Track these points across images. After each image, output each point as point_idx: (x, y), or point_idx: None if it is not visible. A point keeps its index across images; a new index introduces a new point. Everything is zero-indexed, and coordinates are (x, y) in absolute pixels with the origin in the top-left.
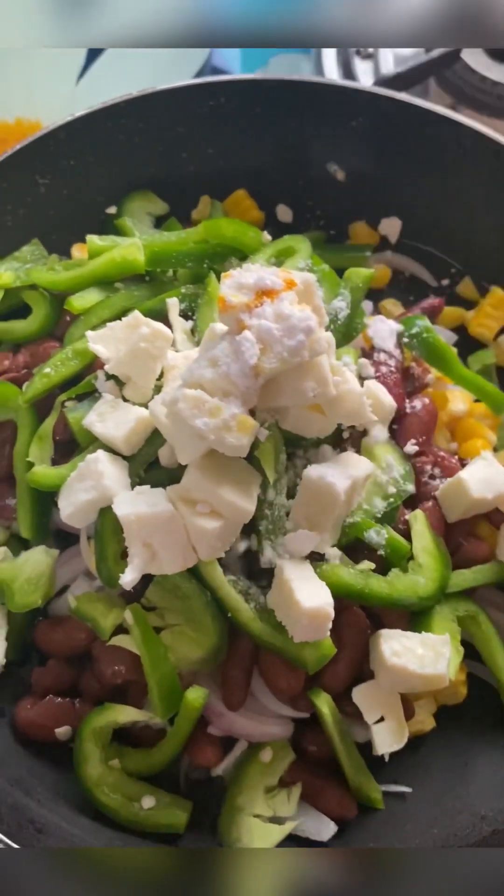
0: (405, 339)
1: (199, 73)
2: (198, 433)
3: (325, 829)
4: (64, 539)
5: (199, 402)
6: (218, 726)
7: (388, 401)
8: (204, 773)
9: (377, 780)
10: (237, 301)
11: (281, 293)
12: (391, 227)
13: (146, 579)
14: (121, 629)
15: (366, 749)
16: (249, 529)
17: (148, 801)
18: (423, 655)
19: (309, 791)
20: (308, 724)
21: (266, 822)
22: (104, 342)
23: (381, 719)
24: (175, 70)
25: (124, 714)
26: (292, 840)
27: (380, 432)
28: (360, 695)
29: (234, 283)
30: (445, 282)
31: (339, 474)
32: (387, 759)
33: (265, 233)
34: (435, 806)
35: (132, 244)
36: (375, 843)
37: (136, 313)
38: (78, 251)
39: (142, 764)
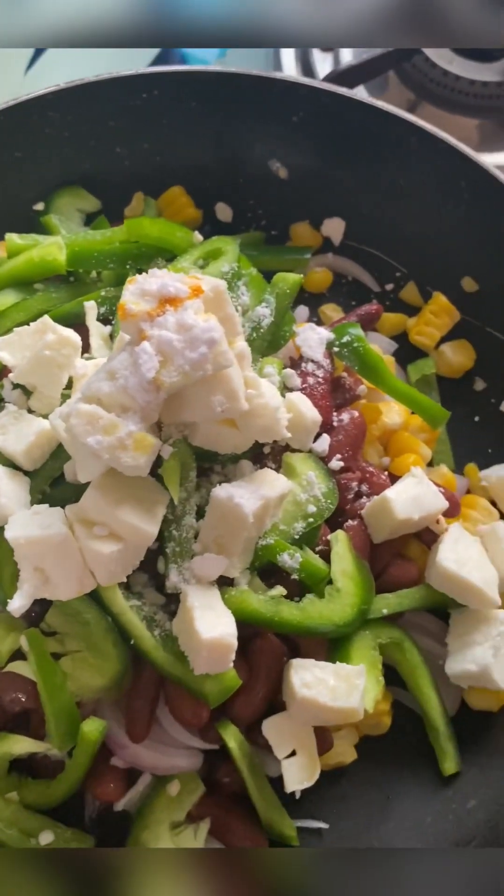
0: (335, 349)
1: (159, 60)
2: (92, 451)
3: None
4: None
5: (93, 418)
6: (122, 758)
7: (312, 414)
8: (110, 805)
9: (293, 814)
10: (138, 309)
11: (185, 301)
12: (334, 228)
13: (46, 603)
14: (21, 654)
15: (281, 783)
16: (158, 551)
17: (46, 837)
18: (335, 687)
19: (218, 827)
20: (219, 755)
21: None
22: (10, 348)
23: (294, 753)
24: (131, 58)
25: (19, 745)
26: None
27: (301, 446)
28: (270, 727)
29: (137, 290)
30: (390, 286)
31: (248, 494)
32: (297, 796)
33: (196, 233)
34: (352, 843)
35: (53, 243)
36: None
37: (45, 318)
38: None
39: (41, 797)
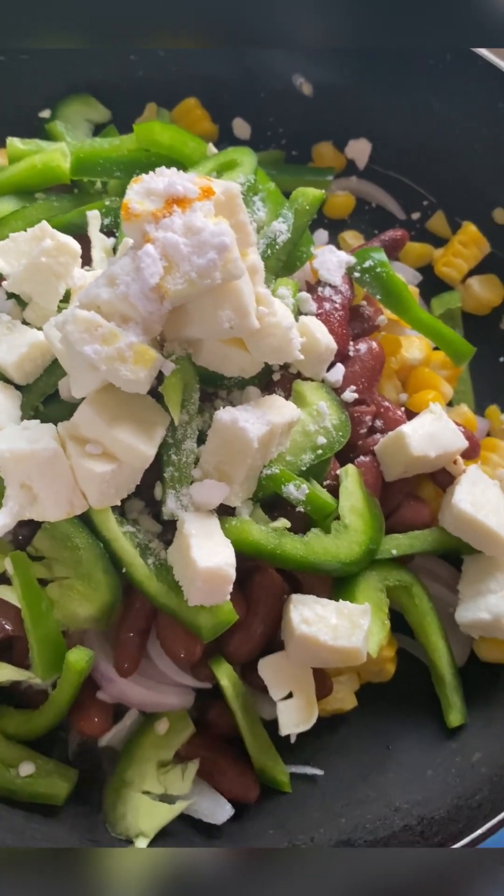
0: (356, 274)
1: None
2: (88, 362)
3: (220, 811)
4: None
5: (91, 326)
6: (108, 692)
7: (327, 340)
8: (95, 740)
9: (288, 760)
10: (142, 209)
11: (195, 202)
12: (359, 150)
13: (35, 526)
14: (5, 579)
15: (276, 726)
16: (155, 477)
17: (26, 768)
18: (336, 626)
19: (207, 769)
20: (212, 694)
21: (155, 800)
22: (5, 255)
23: (290, 696)
24: None
25: (1, 672)
26: (184, 821)
27: (314, 374)
28: (266, 667)
29: (142, 189)
30: (416, 215)
31: (254, 419)
32: (293, 740)
33: (210, 145)
34: (347, 793)
35: (57, 149)
36: (276, 830)
37: (44, 224)
38: (1, 157)
39: (22, 727)
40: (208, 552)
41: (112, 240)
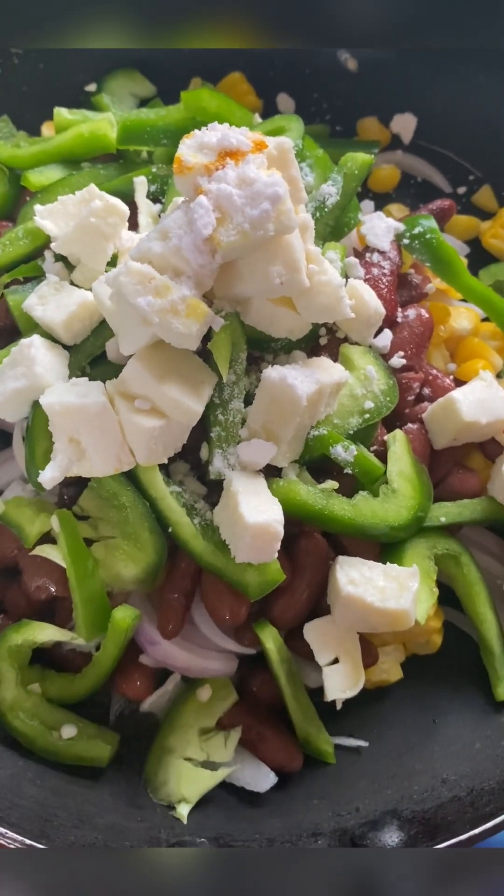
0: (405, 241)
1: None
2: (141, 314)
3: (263, 779)
4: (3, 440)
5: (144, 278)
6: (151, 655)
7: (375, 304)
8: (136, 706)
9: (331, 731)
10: (195, 162)
11: (248, 155)
12: (405, 124)
13: (81, 486)
14: (50, 539)
15: (320, 695)
16: (201, 439)
17: (68, 731)
18: (384, 588)
19: (250, 737)
20: (255, 661)
21: (197, 767)
22: (53, 217)
23: (336, 661)
24: None
25: (44, 633)
26: (226, 788)
27: (361, 339)
28: (312, 631)
29: (194, 143)
30: (462, 190)
31: (303, 377)
32: (339, 706)
33: (256, 115)
34: (393, 765)
35: (103, 119)
36: (319, 800)
37: (92, 186)
38: (48, 129)
39: (64, 690)
40: (256, 508)
41: (158, 206)
